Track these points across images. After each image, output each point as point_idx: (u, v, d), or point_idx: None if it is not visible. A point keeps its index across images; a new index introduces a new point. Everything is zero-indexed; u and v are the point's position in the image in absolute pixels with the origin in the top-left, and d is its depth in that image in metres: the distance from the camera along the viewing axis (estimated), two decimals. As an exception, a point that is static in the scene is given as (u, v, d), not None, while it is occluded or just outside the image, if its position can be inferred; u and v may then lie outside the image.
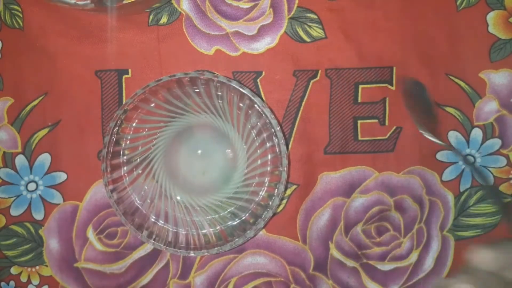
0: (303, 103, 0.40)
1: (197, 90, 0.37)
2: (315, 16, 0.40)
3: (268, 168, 0.37)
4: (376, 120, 0.40)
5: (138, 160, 0.38)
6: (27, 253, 0.40)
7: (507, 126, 0.40)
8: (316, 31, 0.40)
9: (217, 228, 0.37)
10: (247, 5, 0.40)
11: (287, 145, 0.40)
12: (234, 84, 0.34)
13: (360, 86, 0.40)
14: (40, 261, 0.40)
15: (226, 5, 0.40)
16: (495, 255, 0.26)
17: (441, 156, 0.40)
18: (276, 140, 0.35)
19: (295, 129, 0.40)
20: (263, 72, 0.40)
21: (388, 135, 0.40)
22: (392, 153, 0.40)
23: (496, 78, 0.40)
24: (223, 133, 0.38)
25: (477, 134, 0.40)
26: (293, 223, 0.40)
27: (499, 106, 0.40)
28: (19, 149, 0.40)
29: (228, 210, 0.38)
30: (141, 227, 0.36)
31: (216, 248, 0.35)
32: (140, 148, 0.38)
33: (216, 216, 0.38)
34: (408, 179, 0.40)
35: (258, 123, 0.37)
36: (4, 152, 0.40)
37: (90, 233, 0.40)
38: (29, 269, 0.40)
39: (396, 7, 0.40)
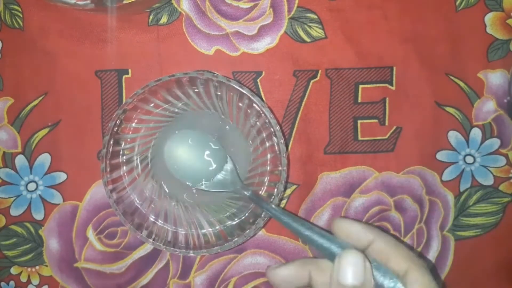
0: (303, 103, 0.40)
1: (197, 90, 0.37)
2: (315, 16, 0.40)
3: (268, 168, 0.37)
4: (376, 120, 0.40)
5: (138, 160, 0.38)
6: (27, 253, 0.40)
7: (505, 125, 0.40)
8: (316, 31, 0.40)
9: (217, 227, 0.37)
10: (247, 5, 0.40)
11: (287, 145, 0.40)
12: (233, 84, 0.34)
13: (360, 86, 0.40)
14: (40, 261, 0.40)
15: (226, 5, 0.40)
16: None
17: (441, 156, 0.40)
18: (276, 139, 0.35)
19: (295, 129, 0.40)
20: (263, 72, 0.40)
21: (388, 135, 0.40)
22: (392, 153, 0.40)
23: (493, 78, 0.40)
24: (223, 133, 0.38)
25: (476, 134, 0.40)
26: (293, 223, 0.40)
27: (496, 106, 0.40)
28: (19, 149, 0.40)
29: (228, 210, 0.38)
30: (141, 226, 0.36)
31: (215, 247, 0.35)
32: (139, 148, 0.38)
33: (216, 215, 0.38)
34: (408, 179, 0.40)
35: (258, 123, 0.37)
36: (4, 152, 0.40)
37: (90, 233, 0.40)
38: (29, 269, 0.40)
39: (396, 7, 0.40)
